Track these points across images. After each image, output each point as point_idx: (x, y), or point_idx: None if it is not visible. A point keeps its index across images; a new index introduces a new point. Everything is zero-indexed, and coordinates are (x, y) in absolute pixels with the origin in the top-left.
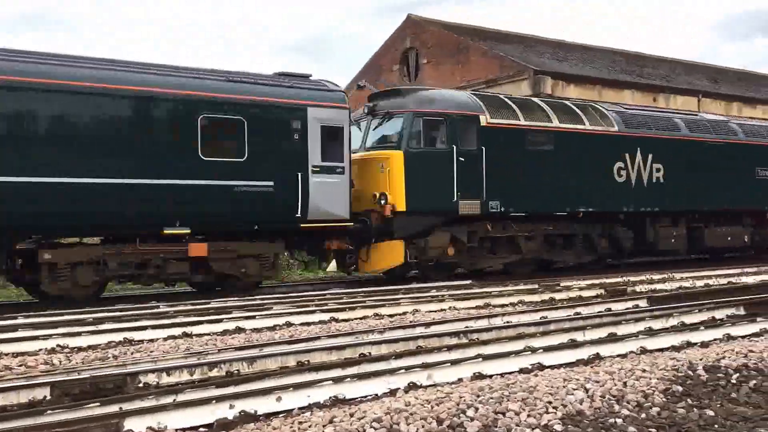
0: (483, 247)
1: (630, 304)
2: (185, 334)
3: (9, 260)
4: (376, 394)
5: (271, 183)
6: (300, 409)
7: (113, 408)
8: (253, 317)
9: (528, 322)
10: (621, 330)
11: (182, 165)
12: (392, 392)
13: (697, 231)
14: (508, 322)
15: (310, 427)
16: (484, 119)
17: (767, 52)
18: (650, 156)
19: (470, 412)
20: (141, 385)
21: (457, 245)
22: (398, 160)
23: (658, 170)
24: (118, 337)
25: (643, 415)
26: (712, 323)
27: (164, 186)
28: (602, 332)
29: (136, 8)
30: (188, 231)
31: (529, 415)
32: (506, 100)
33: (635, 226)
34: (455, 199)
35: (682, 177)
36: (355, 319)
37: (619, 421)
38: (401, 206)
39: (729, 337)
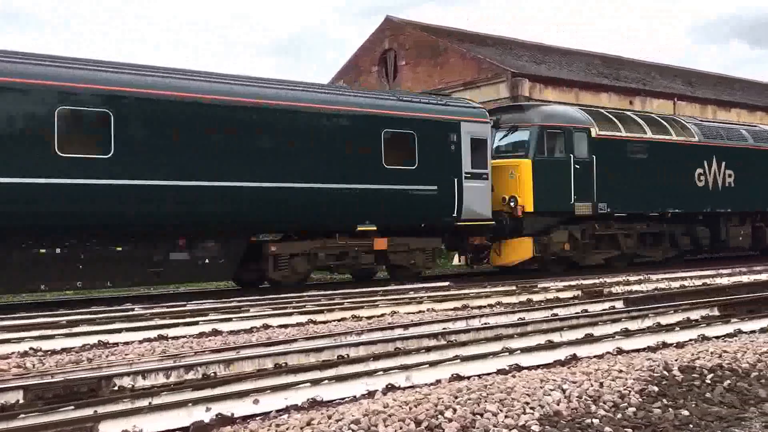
0: (590, 243)
1: (606, 305)
2: (161, 337)
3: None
4: (355, 396)
5: (435, 187)
6: (277, 411)
7: (88, 411)
8: (230, 319)
9: (506, 324)
10: (597, 331)
11: (371, 172)
12: (370, 394)
13: (760, 230)
14: (486, 323)
15: (287, 429)
16: (594, 131)
17: (743, 55)
18: (723, 163)
19: (448, 413)
20: (116, 388)
21: (572, 242)
22: (527, 168)
23: (729, 176)
24: (92, 339)
25: (620, 416)
26: (688, 324)
27: (359, 190)
28: (579, 333)
29: (129, 5)
30: (374, 227)
31: (506, 416)
32: (608, 114)
33: (710, 225)
34: (572, 201)
35: (748, 181)
36: (333, 321)
37: (596, 421)
38: (530, 207)
39: (704, 338)
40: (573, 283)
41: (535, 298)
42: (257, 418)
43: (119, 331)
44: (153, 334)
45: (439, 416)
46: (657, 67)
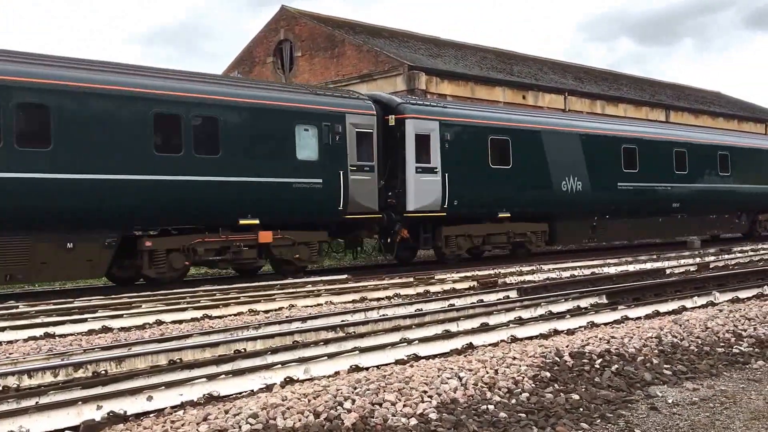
0: None
1: (501, 295)
2: (47, 335)
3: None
4: (252, 390)
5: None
6: (172, 407)
7: None
8: (121, 316)
9: (404, 315)
10: (493, 320)
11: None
12: (268, 387)
13: None
14: (384, 315)
15: (183, 425)
16: None
17: (629, 52)
18: None
19: (347, 404)
20: (0, 388)
21: None
22: None
23: None
24: None
25: (514, 401)
26: (578, 312)
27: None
28: (475, 323)
29: None
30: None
31: (405, 405)
32: None
33: None
34: None
35: None
36: (230, 315)
37: (491, 407)
38: None
39: (593, 325)
40: (469, 274)
41: (433, 289)
42: (151, 416)
43: (2, 329)
44: (39, 332)
45: (338, 407)
46: (548, 63)
